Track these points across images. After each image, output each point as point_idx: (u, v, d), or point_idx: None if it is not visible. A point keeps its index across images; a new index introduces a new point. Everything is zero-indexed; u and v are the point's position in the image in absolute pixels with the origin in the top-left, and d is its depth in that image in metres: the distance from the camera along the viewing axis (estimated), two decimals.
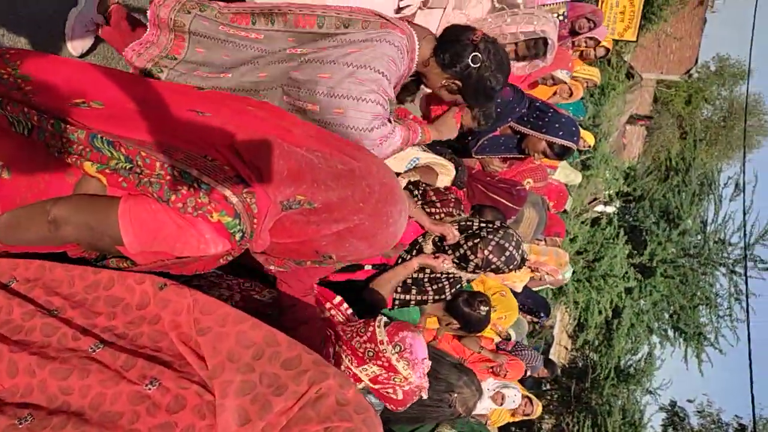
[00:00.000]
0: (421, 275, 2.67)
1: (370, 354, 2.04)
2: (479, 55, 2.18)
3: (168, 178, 1.50)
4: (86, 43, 2.47)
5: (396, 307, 2.64)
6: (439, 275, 2.70)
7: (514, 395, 4.45)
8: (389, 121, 2.12)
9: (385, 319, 2.10)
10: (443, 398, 2.41)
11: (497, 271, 2.61)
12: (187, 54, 2.09)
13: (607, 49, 5.87)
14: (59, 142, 1.58)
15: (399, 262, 2.66)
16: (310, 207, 1.63)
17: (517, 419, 5.12)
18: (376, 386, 2.08)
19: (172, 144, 1.58)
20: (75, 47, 2.46)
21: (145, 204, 1.51)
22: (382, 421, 2.33)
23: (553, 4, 3.97)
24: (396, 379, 2.05)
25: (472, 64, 2.18)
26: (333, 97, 1.97)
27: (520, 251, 2.63)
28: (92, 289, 1.60)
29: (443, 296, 2.72)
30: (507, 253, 2.56)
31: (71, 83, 1.69)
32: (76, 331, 1.51)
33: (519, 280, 5.05)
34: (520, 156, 3.68)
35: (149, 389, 1.39)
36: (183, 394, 1.38)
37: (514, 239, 2.62)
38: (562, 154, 3.54)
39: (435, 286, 2.68)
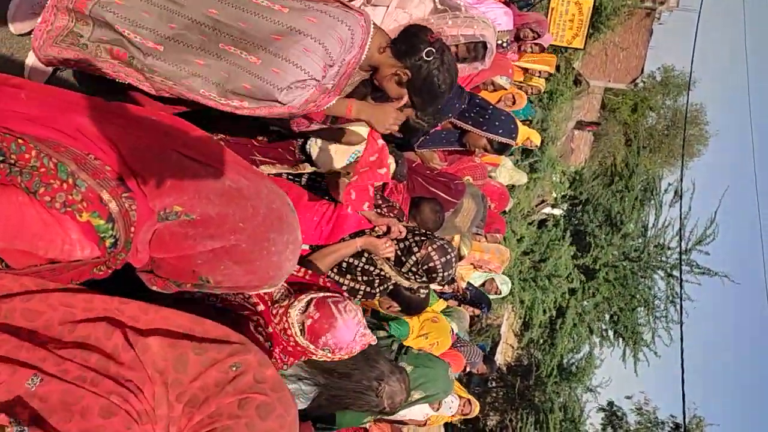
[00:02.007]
0: (356, 262, 2.70)
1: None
2: (433, 50, 2.31)
3: (42, 170, 1.40)
4: (29, 25, 2.45)
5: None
6: (371, 269, 2.73)
7: (452, 401, 4.47)
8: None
9: (297, 324, 1.98)
10: (372, 385, 2.41)
11: (431, 273, 2.66)
12: None
13: (543, 47, 6.06)
14: None
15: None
16: (188, 218, 1.53)
17: (455, 419, 5.21)
18: None
19: (56, 138, 1.48)
20: (16, 28, 2.44)
21: (11, 195, 1.40)
22: (312, 407, 2.39)
23: (499, 31, 4.11)
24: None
25: (425, 57, 2.31)
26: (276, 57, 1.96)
27: (455, 265, 2.73)
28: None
29: (372, 290, 2.75)
30: (448, 257, 2.66)
31: None
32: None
33: (464, 277, 5.22)
34: (460, 149, 3.82)
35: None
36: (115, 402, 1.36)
37: (455, 252, 2.74)
38: (501, 150, 3.71)
39: (365, 278, 2.72)
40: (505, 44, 4.08)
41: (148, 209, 1.49)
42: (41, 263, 1.47)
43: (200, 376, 1.39)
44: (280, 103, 2.01)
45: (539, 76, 6.54)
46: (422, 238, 2.70)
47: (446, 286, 3.63)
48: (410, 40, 2.35)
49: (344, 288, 2.69)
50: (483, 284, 5.68)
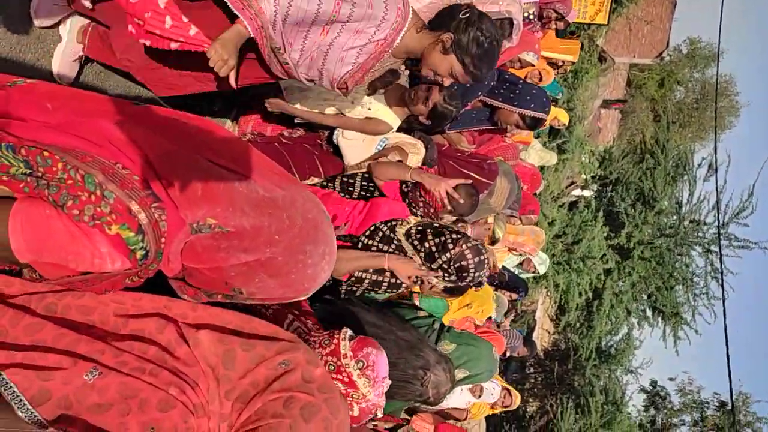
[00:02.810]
0: (385, 248, 2.68)
1: (331, 368, 1.94)
2: (471, 10, 2.25)
3: (69, 182, 1.37)
4: (52, 18, 2.44)
5: (350, 282, 2.65)
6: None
7: (493, 388, 4.45)
8: None
9: (350, 332, 2.01)
10: (417, 374, 2.38)
11: (462, 271, 2.63)
12: None
13: (568, 23, 5.94)
14: None
15: (371, 229, 2.69)
16: (222, 231, 1.50)
17: (497, 411, 5.17)
18: None
19: (82, 147, 1.45)
20: (40, 20, 2.42)
21: (39, 208, 1.39)
22: None
23: (524, 3, 4.03)
24: (354, 396, 1.94)
25: (462, 17, 2.23)
26: None
27: (487, 267, 2.70)
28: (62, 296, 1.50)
29: (398, 281, 2.71)
30: (481, 257, 2.64)
31: None
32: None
33: (498, 260, 5.15)
34: (491, 128, 3.75)
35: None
36: (173, 395, 1.36)
37: (488, 254, 2.72)
38: (534, 125, 3.64)
39: (394, 280, 2.70)
40: (531, 17, 3.98)
41: (178, 218, 1.46)
42: (73, 274, 1.46)
43: (249, 373, 1.37)
44: None
45: (562, 65, 6.43)
46: (458, 236, 2.67)
47: (475, 288, 3.58)
48: (446, 12, 2.29)
49: (366, 281, 2.66)
50: (520, 263, 5.60)
